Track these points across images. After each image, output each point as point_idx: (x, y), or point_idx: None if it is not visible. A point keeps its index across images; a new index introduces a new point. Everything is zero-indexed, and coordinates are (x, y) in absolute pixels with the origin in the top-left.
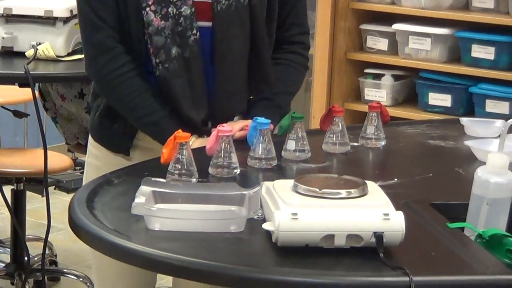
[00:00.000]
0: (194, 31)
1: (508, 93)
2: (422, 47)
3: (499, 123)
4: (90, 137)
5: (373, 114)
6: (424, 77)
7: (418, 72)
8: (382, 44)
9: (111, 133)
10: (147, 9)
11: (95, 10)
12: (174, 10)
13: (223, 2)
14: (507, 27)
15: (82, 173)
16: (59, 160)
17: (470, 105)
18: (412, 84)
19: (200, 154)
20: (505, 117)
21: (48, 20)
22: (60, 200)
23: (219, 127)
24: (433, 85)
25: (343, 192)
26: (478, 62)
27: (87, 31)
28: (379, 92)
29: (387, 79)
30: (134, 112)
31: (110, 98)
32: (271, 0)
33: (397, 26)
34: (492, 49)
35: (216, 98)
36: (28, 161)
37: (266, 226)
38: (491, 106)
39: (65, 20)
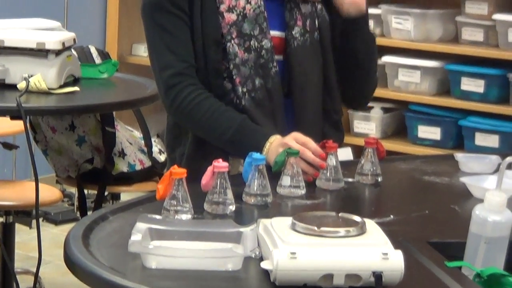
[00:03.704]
0: (274, 64)
1: (497, 126)
2: (411, 80)
3: (494, 159)
4: None
5: (369, 150)
6: (414, 109)
7: (408, 104)
8: None
9: (201, 176)
10: (232, 41)
11: (168, 46)
12: (256, 43)
13: (299, 38)
14: (496, 60)
15: (71, 205)
16: (48, 192)
17: (459, 138)
18: (402, 117)
19: (195, 190)
20: (495, 151)
21: (40, 53)
22: (48, 233)
23: (215, 163)
24: (423, 118)
25: (342, 231)
26: (467, 95)
27: (158, 67)
28: (368, 125)
29: (377, 112)
30: (212, 132)
31: (188, 126)
32: (333, 32)
33: (387, 59)
34: (481, 82)
35: (295, 129)
36: (17, 193)
37: (264, 265)
38: (480, 139)
39: (57, 53)
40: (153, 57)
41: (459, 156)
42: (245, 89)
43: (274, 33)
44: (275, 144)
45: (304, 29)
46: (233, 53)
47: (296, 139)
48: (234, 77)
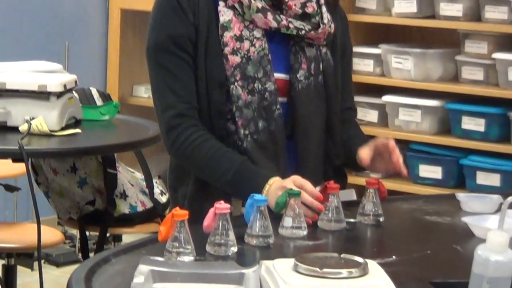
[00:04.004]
0: (278, 106)
1: (499, 165)
2: (412, 119)
3: (495, 198)
4: None
5: (371, 191)
6: (415, 149)
7: (409, 144)
8: (372, 115)
9: (203, 217)
10: (235, 83)
11: (170, 87)
12: (260, 86)
13: (303, 81)
14: (497, 99)
15: (72, 246)
16: (50, 234)
17: (461, 177)
18: (403, 156)
19: (197, 231)
20: (496, 189)
21: (42, 95)
22: (50, 275)
23: (217, 205)
24: (424, 157)
25: (344, 272)
26: (468, 134)
27: (160, 108)
28: None
29: None
30: (213, 174)
31: (189, 167)
32: (337, 78)
33: (387, 98)
34: (482, 121)
35: (297, 172)
36: (18, 235)
37: None
38: (482, 178)
39: (59, 95)
40: (155, 97)
41: (461, 195)
42: (247, 131)
43: (279, 75)
44: (274, 186)
45: (309, 73)
46: (236, 95)
47: (294, 182)
48: (237, 119)
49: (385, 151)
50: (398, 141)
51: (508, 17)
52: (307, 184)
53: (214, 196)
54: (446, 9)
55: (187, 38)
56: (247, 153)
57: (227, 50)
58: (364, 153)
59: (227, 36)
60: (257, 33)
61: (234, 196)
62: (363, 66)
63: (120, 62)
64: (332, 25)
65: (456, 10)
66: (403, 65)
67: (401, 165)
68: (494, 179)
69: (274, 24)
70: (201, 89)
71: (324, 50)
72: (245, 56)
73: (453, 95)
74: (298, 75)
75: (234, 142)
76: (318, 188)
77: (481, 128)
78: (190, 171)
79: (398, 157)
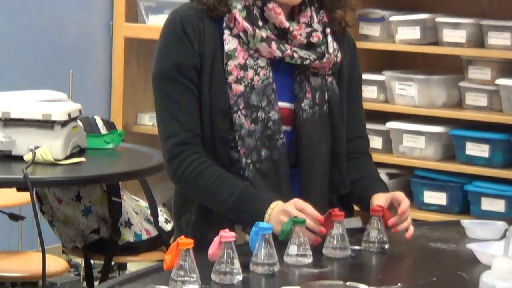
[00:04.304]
0: (282, 135)
1: (503, 190)
2: (416, 145)
3: (500, 225)
4: None
5: (376, 218)
6: (419, 175)
7: (413, 170)
8: (376, 142)
9: (207, 244)
10: (239, 112)
11: (174, 115)
12: (263, 115)
13: (308, 110)
14: (501, 124)
15: (77, 275)
16: (55, 263)
17: (465, 203)
18: (407, 182)
19: (202, 260)
20: (501, 215)
21: (46, 124)
22: None
23: (221, 233)
24: (428, 183)
25: None
26: (472, 160)
27: (163, 136)
28: None
29: (382, 178)
30: (215, 200)
31: (191, 194)
32: (343, 107)
33: (391, 125)
34: (486, 147)
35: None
36: (23, 264)
37: None
38: (486, 204)
39: (63, 124)
40: (159, 125)
41: (465, 222)
42: (249, 160)
43: (283, 104)
44: (276, 210)
45: (313, 102)
46: (239, 124)
47: (295, 205)
48: (239, 148)
49: (398, 208)
50: (403, 168)
51: (511, 43)
52: (308, 207)
53: (217, 224)
54: (449, 35)
55: (192, 67)
56: (249, 182)
57: (231, 78)
58: (378, 203)
59: (232, 64)
60: (262, 62)
61: (237, 221)
62: (367, 93)
63: (124, 90)
64: (339, 54)
65: (459, 36)
66: (407, 91)
67: (409, 227)
68: (499, 205)
69: (278, 54)
70: (205, 117)
71: (329, 79)
72: (249, 85)
73: (457, 121)
74: (302, 105)
75: (238, 171)
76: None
77: (486, 154)
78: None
79: (408, 217)
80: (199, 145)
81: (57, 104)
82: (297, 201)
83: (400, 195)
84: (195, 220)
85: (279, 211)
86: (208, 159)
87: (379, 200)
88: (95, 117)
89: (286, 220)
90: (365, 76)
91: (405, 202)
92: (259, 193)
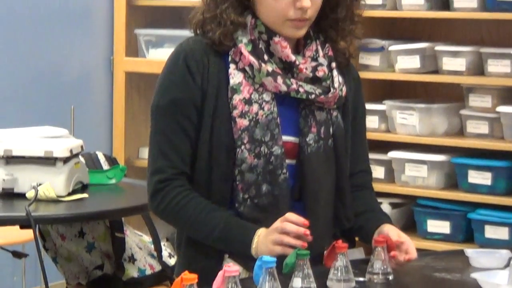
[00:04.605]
0: (284, 170)
1: (507, 218)
2: (418, 174)
3: (504, 253)
4: None
5: (379, 249)
6: (422, 204)
7: (416, 199)
8: (379, 172)
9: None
10: (242, 147)
11: (163, 152)
12: (266, 149)
13: (313, 144)
14: (502, 152)
15: None
16: None
17: (469, 231)
18: (410, 212)
19: None
20: (505, 243)
21: (48, 161)
22: None
23: (226, 267)
24: (431, 212)
25: None
26: (475, 188)
27: (149, 170)
28: None
29: (385, 208)
30: (200, 233)
31: (178, 227)
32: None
33: (393, 154)
34: (489, 175)
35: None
36: None
37: None
38: (490, 232)
39: (65, 160)
40: (148, 159)
41: (469, 251)
42: (246, 196)
43: (288, 138)
44: (262, 235)
45: (318, 136)
46: (241, 159)
47: (278, 221)
48: (238, 182)
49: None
50: (405, 197)
51: (511, 70)
52: (290, 214)
53: (206, 253)
54: (449, 64)
55: (190, 103)
56: (244, 217)
57: (235, 112)
58: (391, 234)
59: (236, 99)
60: (267, 96)
61: (226, 251)
62: (368, 123)
63: (125, 125)
64: (344, 88)
65: (459, 64)
66: (408, 120)
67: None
68: (502, 233)
69: (283, 88)
70: (203, 152)
71: (334, 113)
72: (254, 119)
73: (459, 149)
74: (307, 139)
75: (233, 205)
76: (326, 249)
77: (488, 182)
78: None
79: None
80: (184, 180)
81: (58, 141)
82: (281, 218)
83: (399, 239)
84: (186, 252)
85: (266, 235)
86: (191, 191)
87: (391, 231)
88: (97, 152)
89: (274, 237)
90: (366, 106)
91: (405, 246)
92: (242, 222)
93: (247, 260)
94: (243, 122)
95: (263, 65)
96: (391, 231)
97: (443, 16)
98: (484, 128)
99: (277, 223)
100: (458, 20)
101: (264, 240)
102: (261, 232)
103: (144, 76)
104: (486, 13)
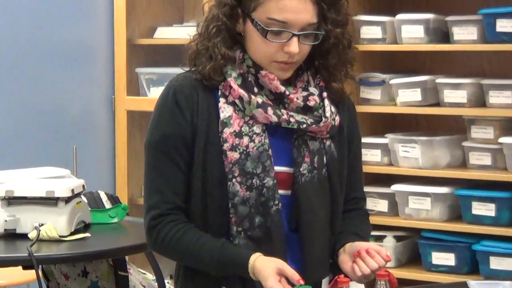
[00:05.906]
0: (276, 202)
1: (511, 249)
2: (422, 207)
3: (507, 285)
4: None
5: (382, 282)
6: (426, 236)
7: (420, 231)
8: (382, 205)
9: None
10: (233, 180)
11: (156, 187)
12: (258, 181)
13: (307, 174)
14: (506, 183)
15: None
16: None
17: (474, 263)
18: (415, 244)
19: None
20: (511, 275)
21: (50, 201)
22: None
23: None
24: (436, 244)
25: None
26: (479, 219)
27: (145, 207)
28: None
29: (389, 241)
30: (198, 265)
31: (177, 259)
32: (342, 170)
33: (396, 187)
34: (492, 206)
35: (305, 266)
36: None
37: None
38: (495, 263)
39: (67, 200)
40: (143, 196)
41: (472, 283)
42: (240, 228)
43: (281, 168)
44: (258, 263)
45: (312, 166)
46: (233, 192)
47: (277, 271)
48: (231, 215)
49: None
50: (409, 230)
51: None
52: (284, 268)
53: (203, 286)
54: (450, 96)
55: (180, 138)
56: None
57: (226, 146)
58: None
59: (227, 132)
60: (257, 129)
61: (224, 283)
62: (371, 156)
63: (128, 163)
64: (337, 118)
65: (460, 96)
66: (411, 153)
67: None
68: (508, 264)
69: (274, 119)
70: (196, 187)
71: (327, 142)
72: (244, 152)
73: (462, 181)
74: (301, 169)
75: (229, 238)
76: (326, 280)
77: (492, 213)
78: None
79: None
80: (179, 215)
81: (60, 181)
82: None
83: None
84: (182, 282)
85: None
86: (186, 224)
87: (357, 245)
88: (99, 191)
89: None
90: (368, 140)
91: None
92: (235, 251)
93: None
94: (234, 155)
95: (253, 97)
96: (355, 245)
97: (443, 49)
98: (486, 160)
99: (272, 279)
100: (459, 52)
101: (261, 267)
102: (256, 258)
103: (146, 115)
104: (486, 45)
